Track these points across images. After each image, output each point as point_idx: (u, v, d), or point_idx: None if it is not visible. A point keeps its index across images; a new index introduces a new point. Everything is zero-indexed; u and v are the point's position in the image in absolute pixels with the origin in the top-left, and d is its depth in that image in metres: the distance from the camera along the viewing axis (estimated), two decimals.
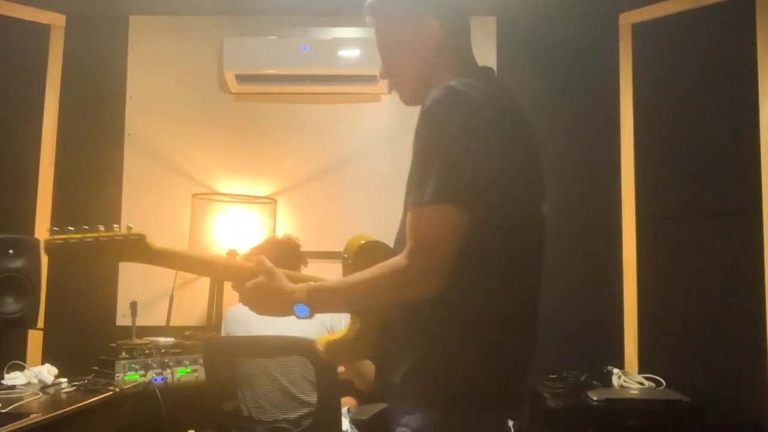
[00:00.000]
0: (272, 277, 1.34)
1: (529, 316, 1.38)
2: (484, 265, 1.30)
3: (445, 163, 1.25)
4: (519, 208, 1.33)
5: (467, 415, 1.29)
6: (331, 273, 3.42)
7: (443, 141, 1.26)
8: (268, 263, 1.36)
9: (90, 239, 1.26)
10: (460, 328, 1.29)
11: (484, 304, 1.30)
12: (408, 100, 1.52)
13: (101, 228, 1.28)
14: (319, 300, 1.32)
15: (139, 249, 1.30)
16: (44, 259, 3.02)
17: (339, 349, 1.43)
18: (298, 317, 1.32)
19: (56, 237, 1.25)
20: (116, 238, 1.28)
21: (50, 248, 1.25)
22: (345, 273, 1.41)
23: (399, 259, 1.26)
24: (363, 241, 1.46)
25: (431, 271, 1.24)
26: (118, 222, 3.42)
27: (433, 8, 1.46)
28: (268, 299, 1.34)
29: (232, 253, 3.19)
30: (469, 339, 1.29)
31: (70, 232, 1.26)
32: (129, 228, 1.30)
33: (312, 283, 1.35)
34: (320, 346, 1.43)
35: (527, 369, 1.37)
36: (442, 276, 1.24)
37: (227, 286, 3.27)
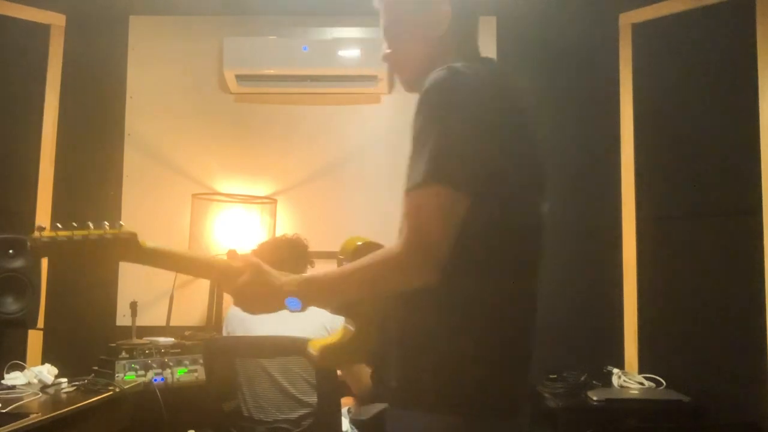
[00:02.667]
0: (259, 272, 1.29)
1: (530, 315, 1.34)
2: (488, 262, 1.24)
3: (439, 143, 1.19)
4: (519, 200, 1.28)
5: (477, 422, 1.24)
6: None
7: (439, 121, 1.21)
8: (254, 259, 1.32)
9: (78, 237, 1.21)
10: (464, 327, 1.24)
11: (488, 302, 1.25)
12: (409, 85, 1.47)
13: (91, 226, 1.22)
14: (311, 292, 1.27)
15: (129, 248, 1.25)
16: (44, 259, 3.03)
17: (334, 353, 1.40)
18: (291, 311, 1.28)
19: (43, 234, 1.19)
20: (106, 236, 1.22)
21: (36, 246, 1.19)
22: None
23: (392, 247, 1.21)
24: (360, 242, 1.44)
25: (426, 258, 1.17)
26: (118, 222, 3.45)
27: None
28: (257, 295, 1.29)
29: (232, 253, 3.19)
30: (474, 339, 1.24)
31: (58, 229, 1.20)
32: (120, 226, 1.24)
33: (304, 275, 1.30)
34: (314, 351, 1.39)
35: (528, 370, 1.33)
36: (438, 263, 1.17)
37: None
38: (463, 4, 1.44)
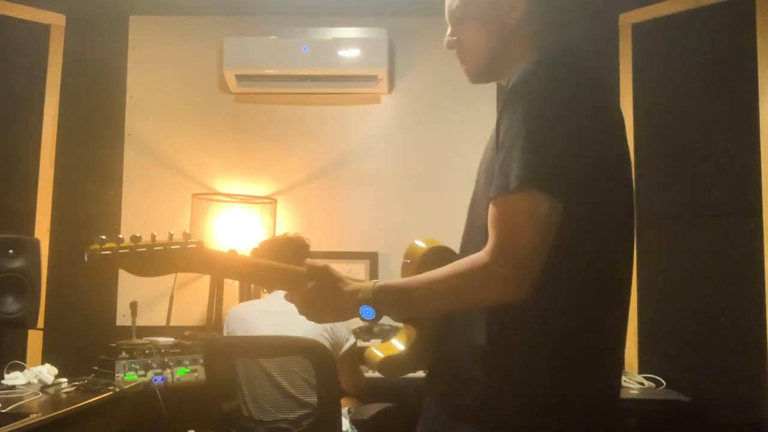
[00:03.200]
0: (329, 277, 1.19)
1: (624, 327, 1.25)
2: (583, 271, 1.15)
3: (535, 145, 1.08)
4: (617, 210, 1.19)
5: None
6: None
7: (532, 121, 1.09)
8: (321, 264, 1.20)
9: (142, 249, 1.13)
10: (550, 343, 1.14)
11: (585, 315, 1.15)
12: (475, 76, 1.37)
13: (154, 235, 1.15)
14: (387, 300, 1.16)
15: (197, 259, 1.17)
16: (44, 259, 3.03)
17: (396, 364, 1.30)
18: (363, 320, 1.19)
19: (103, 247, 1.11)
20: (172, 247, 1.15)
21: (93, 259, 1.11)
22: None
23: (479, 256, 1.10)
24: (424, 244, 1.32)
25: (517, 271, 1.07)
26: (118, 222, 3.45)
27: None
28: (327, 303, 1.19)
29: (232, 254, 3.19)
30: (570, 355, 1.14)
31: (119, 240, 1.13)
32: (186, 234, 1.17)
33: (378, 281, 1.18)
34: (375, 362, 1.30)
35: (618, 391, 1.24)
36: (531, 277, 1.07)
37: (227, 286, 3.27)
38: None
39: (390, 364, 1.30)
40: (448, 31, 1.37)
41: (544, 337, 1.14)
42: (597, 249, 1.16)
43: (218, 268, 1.22)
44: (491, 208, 1.12)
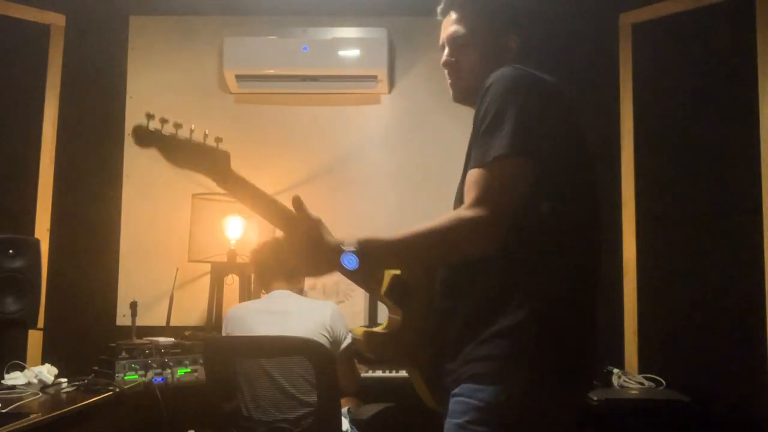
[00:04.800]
0: (317, 227, 1.30)
1: (593, 289, 1.40)
2: (566, 234, 1.30)
3: (518, 118, 1.25)
4: (589, 187, 1.38)
5: (554, 388, 1.27)
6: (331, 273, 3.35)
7: (514, 102, 1.27)
8: (315, 216, 1.33)
9: (182, 138, 1.27)
10: (540, 299, 1.27)
11: (565, 272, 1.30)
12: (461, 96, 1.54)
13: (192, 127, 1.27)
14: (372, 249, 1.25)
15: (218, 165, 1.32)
16: (44, 259, 3.03)
17: (381, 342, 1.39)
18: (346, 269, 1.23)
19: (150, 124, 1.23)
20: (206, 145, 1.29)
21: (140, 133, 1.23)
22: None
23: (462, 210, 1.24)
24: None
25: (498, 221, 1.22)
26: (118, 222, 3.45)
27: (517, 24, 1.52)
28: (313, 249, 1.27)
29: (231, 254, 3.20)
30: (551, 311, 1.28)
31: (165, 122, 1.24)
32: (218, 139, 1.31)
33: (360, 235, 1.28)
34: (358, 336, 1.38)
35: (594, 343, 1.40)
36: (505, 227, 1.22)
37: (227, 287, 3.27)
38: (528, 24, 1.54)
39: (374, 339, 1.38)
40: (446, 52, 1.53)
41: (530, 288, 1.28)
42: (578, 223, 1.33)
43: (233, 185, 1.35)
44: (469, 175, 1.26)
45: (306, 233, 1.29)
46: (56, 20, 3.45)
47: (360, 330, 1.39)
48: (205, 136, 1.28)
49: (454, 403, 1.28)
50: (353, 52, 3.41)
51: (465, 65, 1.51)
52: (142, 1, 3.55)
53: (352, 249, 1.22)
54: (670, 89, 3.23)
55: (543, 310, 1.27)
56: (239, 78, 3.48)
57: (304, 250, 1.28)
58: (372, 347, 1.40)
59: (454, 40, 1.52)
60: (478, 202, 1.22)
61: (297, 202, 1.33)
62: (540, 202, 1.26)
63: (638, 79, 3.32)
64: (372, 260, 1.25)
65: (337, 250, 1.24)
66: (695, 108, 3.14)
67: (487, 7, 1.52)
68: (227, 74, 3.46)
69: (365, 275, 1.28)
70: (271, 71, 3.47)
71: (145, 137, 1.23)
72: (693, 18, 3.14)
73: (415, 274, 1.38)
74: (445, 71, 1.54)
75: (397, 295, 1.35)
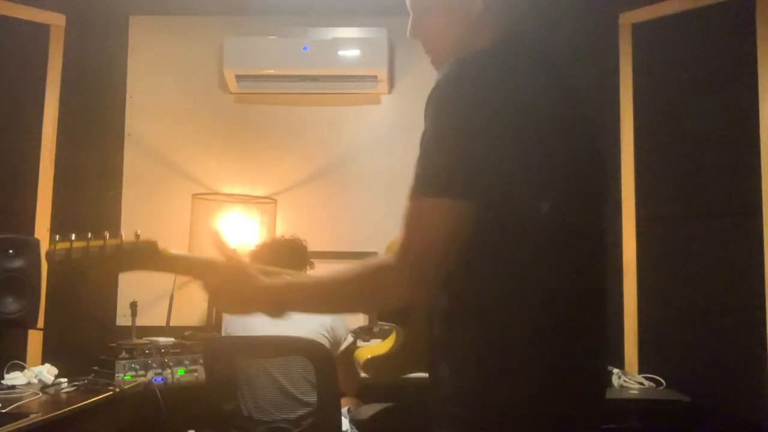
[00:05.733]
0: (243, 272, 1.20)
1: (582, 333, 1.17)
2: (522, 272, 1.10)
3: (449, 148, 1.07)
4: (563, 204, 1.11)
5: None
6: None
7: (449, 124, 1.09)
8: (237, 255, 1.24)
9: (94, 248, 1.17)
10: (503, 342, 1.10)
11: (527, 316, 1.10)
12: (438, 64, 1.38)
13: (106, 234, 1.18)
14: (293, 300, 1.18)
15: (149, 256, 1.20)
16: (44, 259, 3.02)
17: (380, 364, 1.33)
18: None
19: (59, 246, 1.17)
20: (124, 245, 1.18)
21: (53, 258, 1.17)
22: None
23: (387, 260, 1.10)
24: None
25: (426, 276, 1.07)
26: (118, 222, 3.45)
27: None
28: (237, 294, 1.20)
29: (230, 252, 3.19)
30: (514, 356, 1.10)
31: (72, 240, 1.18)
32: (137, 235, 1.20)
33: (284, 280, 1.22)
34: (360, 362, 1.33)
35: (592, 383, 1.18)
36: (437, 282, 1.08)
37: None
38: None
39: (374, 364, 1.33)
40: (410, 20, 1.37)
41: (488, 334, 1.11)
42: (535, 247, 1.10)
43: (173, 265, 1.25)
44: (406, 208, 1.11)
45: (228, 279, 1.20)
46: (56, 20, 3.45)
47: (364, 355, 1.34)
48: (120, 234, 1.19)
49: None
50: (353, 52, 3.41)
51: (432, 33, 1.34)
52: (142, 1, 3.55)
53: (276, 300, 1.18)
54: (670, 89, 3.23)
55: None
56: (239, 78, 3.48)
57: (226, 294, 1.21)
58: (374, 373, 1.36)
59: (414, 3, 1.36)
60: (406, 251, 1.08)
61: (230, 252, 1.24)
62: (501, 240, 1.09)
63: (638, 79, 3.32)
64: (293, 308, 1.19)
65: (262, 296, 1.18)
66: (695, 108, 3.14)
67: None
68: (227, 74, 3.46)
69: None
70: (271, 71, 3.47)
71: (59, 261, 1.17)
72: (693, 18, 3.14)
73: None
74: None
75: (392, 314, 1.30)
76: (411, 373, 1.36)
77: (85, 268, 1.18)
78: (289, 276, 1.25)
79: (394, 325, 1.34)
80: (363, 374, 1.35)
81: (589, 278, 1.18)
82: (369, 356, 1.34)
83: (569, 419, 1.13)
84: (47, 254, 1.17)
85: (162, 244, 1.23)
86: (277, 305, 1.18)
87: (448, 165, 1.07)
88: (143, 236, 1.20)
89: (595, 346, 1.18)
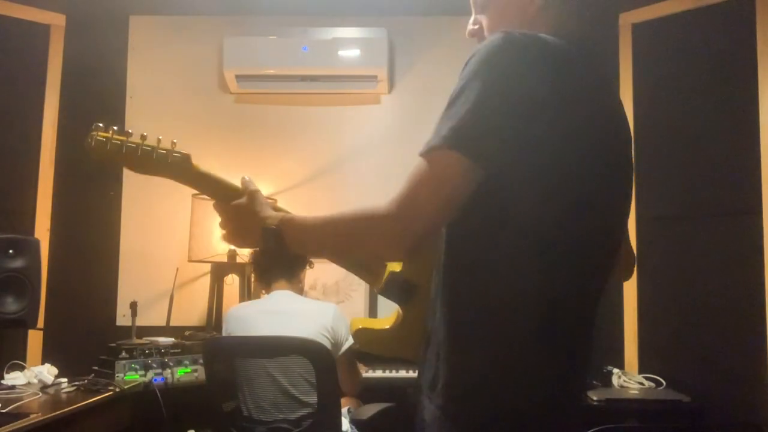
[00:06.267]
0: (252, 199, 1.27)
1: (584, 315, 1.21)
2: (531, 248, 1.08)
3: (469, 109, 1.04)
4: (571, 189, 1.10)
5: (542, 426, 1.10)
6: (331, 273, 3.44)
7: (476, 87, 1.05)
8: (254, 186, 1.30)
9: (132, 145, 1.26)
10: (505, 324, 1.09)
11: (530, 296, 1.09)
12: None
13: (145, 135, 1.26)
14: (289, 231, 1.19)
15: (179, 167, 1.29)
16: (44, 259, 3.03)
17: (373, 337, 1.34)
18: (265, 245, 1.23)
19: (101, 133, 1.24)
20: (158, 150, 1.26)
21: (92, 144, 1.24)
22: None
23: (379, 206, 1.10)
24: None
25: (410, 225, 1.06)
26: (118, 222, 3.45)
27: None
28: (241, 221, 1.26)
29: (232, 254, 3.20)
30: (528, 338, 1.10)
31: (114, 132, 1.24)
32: (173, 144, 1.28)
33: (287, 214, 1.24)
34: (353, 328, 1.36)
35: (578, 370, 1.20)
36: (422, 237, 1.06)
37: (227, 287, 3.27)
38: None
39: (365, 335, 1.34)
40: (471, 19, 1.34)
41: (508, 325, 1.10)
42: (535, 222, 1.08)
43: (197, 180, 1.34)
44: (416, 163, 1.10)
45: (241, 204, 1.27)
46: (56, 20, 3.45)
47: (357, 324, 1.36)
48: (159, 140, 1.28)
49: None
50: (353, 52, 3.41)
51: (488, 32, 1.29)
52: (142, 1, 3.55)
53: (273, 226, 1.20)
54: (670, 89, 3.23)
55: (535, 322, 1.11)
56: (239, 78, 3.48)
57: (235, 220, 1.28)
58: (365, 344, 1.37)
59: (474, 1, 1.34)
60: (396, 198, 1.08)
61: (244, 179, 1.32)
62: (500, 215, 1.08)
63: (638, 79, 3.32)
64: (288, 241, 1.19)
65: (259, 224, 1.22)
66: (695, 108, 3.14)
67: None
68: (227, 74, 3.46)
69: (285, 253, 1.23)
70: (271, 71, 3.47)
71: (100, 151, 1.25)
72: (693, 18, 3.14)
73: (419, 270, 1.31)
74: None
75: (394, 292, 1.32)
76: (399, 355, 1.36)
77: (116, 162, 1.26)
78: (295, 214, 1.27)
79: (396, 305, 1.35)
80: (374, 373, 1.36)
81: (595, 285, 1.22)
82: (361, 326, 1.35)
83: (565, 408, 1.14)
84: (88, 138, 1.24)
85: (195, 160, 1.31)
86: (277, 237, 1.19)
87: (465, 122, 1.04)
88: (178, 147, 1.28)
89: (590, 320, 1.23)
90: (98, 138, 1.24)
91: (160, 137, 1.27)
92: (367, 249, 1.16)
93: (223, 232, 1.30)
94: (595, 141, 1.14)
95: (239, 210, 1.27)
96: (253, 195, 1.27)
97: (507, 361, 1.10)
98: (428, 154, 1.06)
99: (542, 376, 1.11)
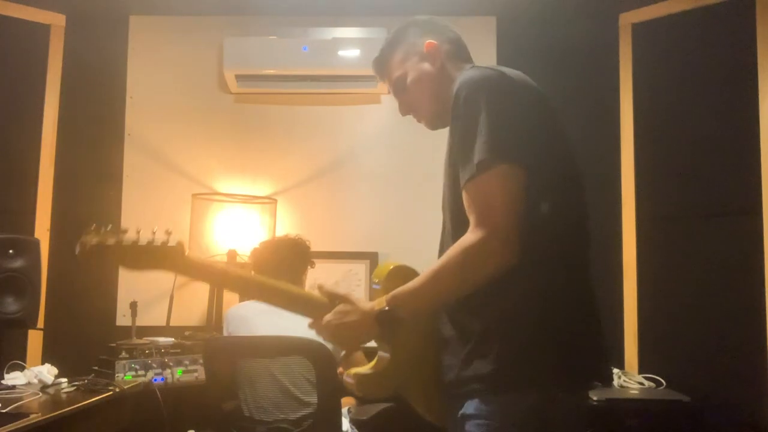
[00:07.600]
0: (348, 299, 1.32)
1: (587, 296, 1.38)
2: (552, 234, 1.27)
3: (491, 125, 1.22)
4: (572, 176, 1.35)
5: (557, 397, 1.25)
6: (331, 273, 3.45)
7: (484, 108, 1.24)
8: (342, 292, 1.34)
9: (127, 244, 1.21)
10: (538, 302, 1.26)
11: (558, 275, 1.28)
12: (432, 123, 1.55)
13: (138, 232, 1.23)
14: (402, 305, 1.27)
15: (176, 259, 1.25)
16: (44, 259, 3.03)
17: (372, 383, 1.37)
18: (387, 329, 1.27)
19: (92, 238, 1.20)
20: (154, 245, 1.23)
21: (84, 249, 1.19)
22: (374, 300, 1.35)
23: (465, 237, 1.22)
24: (392, 266, 1.41)
25: (502, 238, 1.20)
26: (118, 222, 3.45)
27: (421, 30, 1.53)
28: (351, 327, 1.30)
29: (232, 254, 3.19)
30: (550, 314, 1.26)
31: (106, 233, 1.21)
32: (167, 234, 1.25)
33: (385, 295, 1.29)
34: (351, 381, 1.37)
35: (597, 346, 1.35)
36: (516, 242, 1.20)
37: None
38: (439, 29, 1.53)
39: (365, 382, 1.37)
40: (398, 104, 1.56)
41: (531, 302, 1.26)
42: (564, 219, 1.31)
43: (199, 272, 1.32)
44: (465, 196, 1.25)
45: (340, 315, 1.31)
46: (56, 20, 3.45)
47: (352, 373, 1.38)
48: (154, 233, 1.23)
49: (467, 425, 1.27)
50: (353, 52, 3.41)
51: (415, 103, 1.52)
52: (142, 1, 3.55)
53: (385, 308, 1.26)
54: (670, 89, 3.23)
55: (545, 315, 1.27)
56: (239, 78, 3.48)
57: (344, 331, 1.31)
58: (363, 390, 1.38)
59: (396, 87, 1.54)
60: (476, 224, 1.21)
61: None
62: (534, 206, 1.25)
63: (638, 79, 3.32)
64: (405, 314, 1.27)
65: (370, 316, 1.27)
66: (695, 108, 3.14)
67: (395, 41, 1.56)
68: (227, 74, 3.46)
69: (400, 331, 1.28)
70: (271, 71, 3.47)
71: (93, 253, 1.19)
72: (693, 18, 3.14)
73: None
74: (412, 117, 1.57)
75: (386, 330, 1.32)
76: (390, 393, 1.40)
77: (113, 262, 1.23)
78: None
79: (383, 343, 1.37)
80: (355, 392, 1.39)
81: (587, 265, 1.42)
82: (359, 374, 1.37)
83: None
84: (80, 244, 1.21)
85: (189, 250, 1.28)
86: (394, 317, 1.26)
87: (497, 138, 1.22)
88: (174, 238, 1.26)
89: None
90: (91, 243, 1.20)
91: (154, 230, 1.24)
92: (483, 273, 1.23)
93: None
94: (560, 127, 1.37)
95: (345, 315, 1.30)
96: (346, 298, 1.33)
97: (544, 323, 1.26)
98: (481, 174, 1.21)
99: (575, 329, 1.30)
